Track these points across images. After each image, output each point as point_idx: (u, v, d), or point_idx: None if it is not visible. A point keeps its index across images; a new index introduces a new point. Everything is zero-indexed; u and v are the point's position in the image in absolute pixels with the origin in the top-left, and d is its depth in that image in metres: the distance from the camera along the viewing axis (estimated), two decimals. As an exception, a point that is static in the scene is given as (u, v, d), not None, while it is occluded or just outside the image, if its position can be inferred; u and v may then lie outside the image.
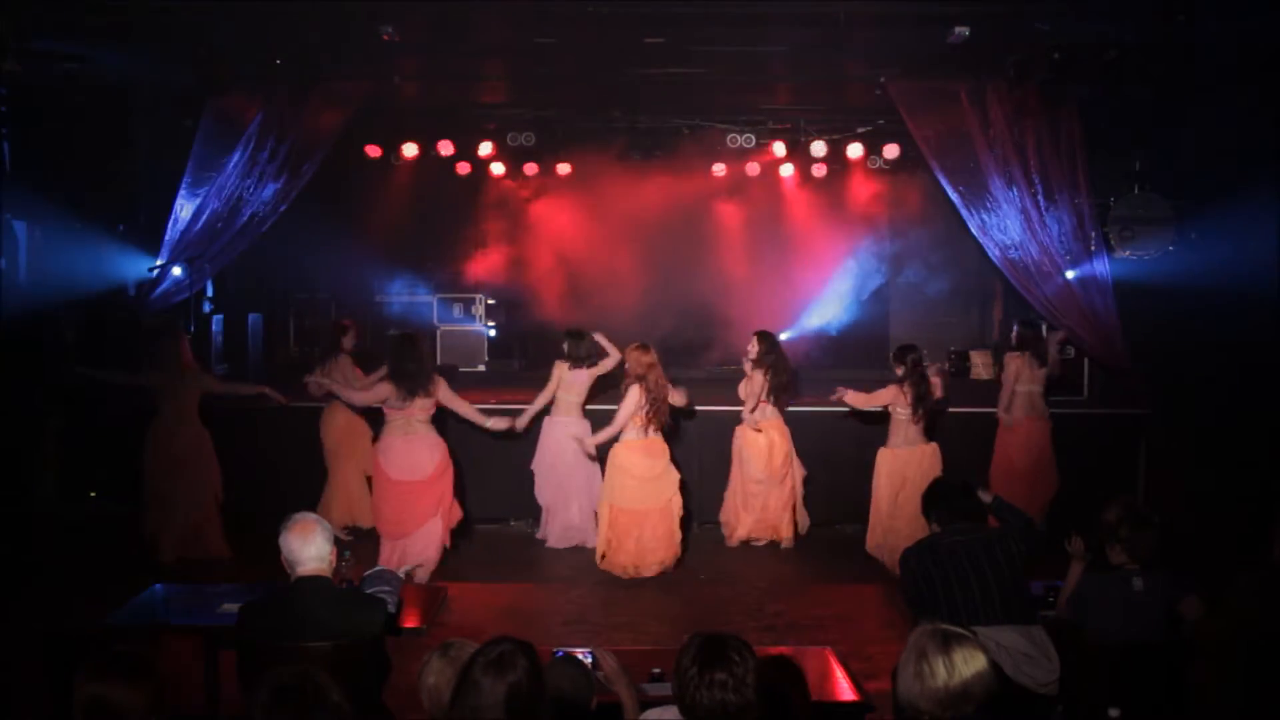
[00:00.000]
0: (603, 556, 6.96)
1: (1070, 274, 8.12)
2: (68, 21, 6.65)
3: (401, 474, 6.57)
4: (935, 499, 4.53)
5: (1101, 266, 8.23)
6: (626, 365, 6.97)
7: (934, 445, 7.03)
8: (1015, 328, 7.83)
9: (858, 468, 7.41)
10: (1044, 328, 8.05)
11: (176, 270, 8.23)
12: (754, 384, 7.56)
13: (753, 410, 7.56)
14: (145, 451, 7.22)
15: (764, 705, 2.72)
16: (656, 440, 6.94)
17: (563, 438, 7.58)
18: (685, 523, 7.16)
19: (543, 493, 7.76)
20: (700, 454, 8.00)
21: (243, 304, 9.46)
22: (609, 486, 6.96)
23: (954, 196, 8.33)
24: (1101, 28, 6.92)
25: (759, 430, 7.56)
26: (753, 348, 7.62)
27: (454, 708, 2.70)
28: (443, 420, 6.84)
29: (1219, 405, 7.42)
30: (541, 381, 7.73)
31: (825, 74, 8.86)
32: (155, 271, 8.18)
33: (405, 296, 10.69)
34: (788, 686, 3.07)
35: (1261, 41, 6.81)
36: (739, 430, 7.66)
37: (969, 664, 2.76)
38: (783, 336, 9.90)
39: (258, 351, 9.46)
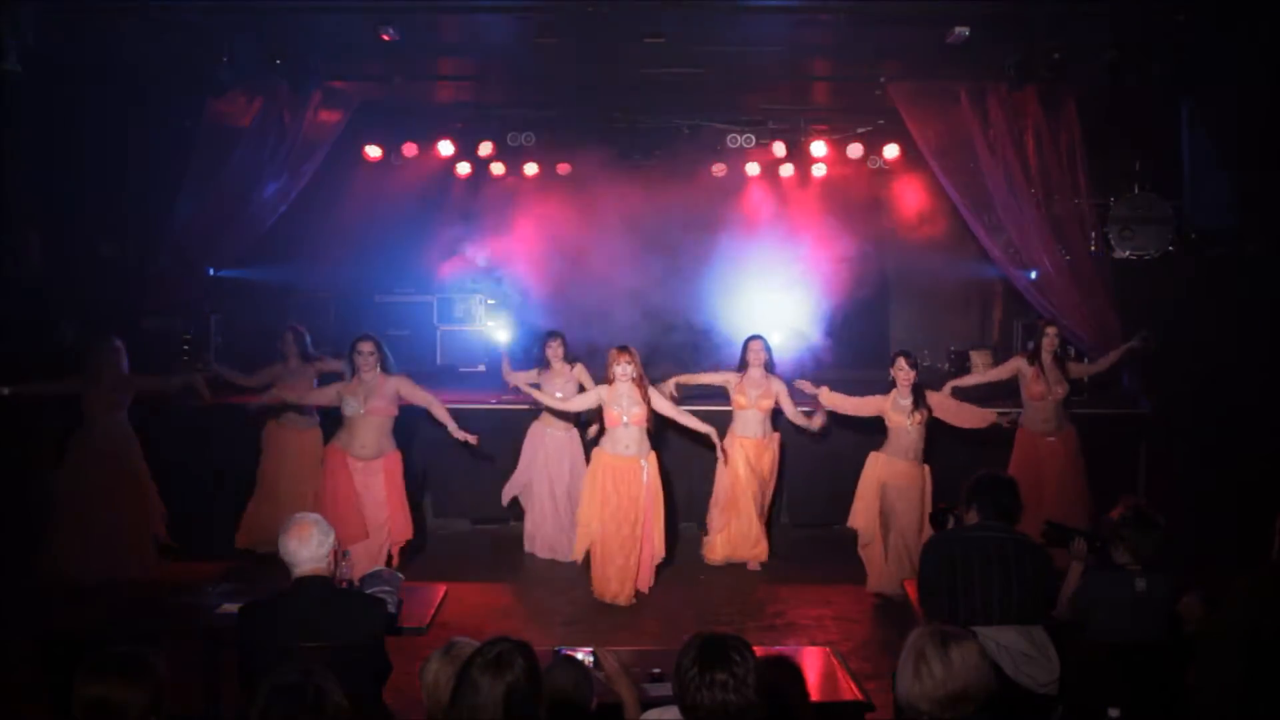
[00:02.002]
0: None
1: (1070, 274, 8.11)
2: (67, 21, 6.64)
3: None
4: (982, 489, 4.43)
5: (1101, 266, 8.23)
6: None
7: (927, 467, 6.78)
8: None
9: (856, 468, 7.40)
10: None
11: (177, 270, 8.23)
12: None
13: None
14: (63, 464, 6.85)
15: (764, 705, 2.72)
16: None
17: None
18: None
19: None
20: (700, 455, 7.98)
21: (242, 304, 9.45)
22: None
23: (954, 196, 8.32)
24: (1101, 28, 6.91)
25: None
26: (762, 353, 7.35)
27: (452, 707, 2.71)
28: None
29: (1219, 405, 7.41)
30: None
31: (825, 74, 8.86)
32: (156, 272, 8.18)
33: (405, 296, 10.68)
34: (788, 686, 3.07)
35: (1261, 41, 6.81)
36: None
37: (967, 664, 2.77)
38: (778, 338, 9.89)
39: (257, 352, 9.43)
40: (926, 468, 6.79)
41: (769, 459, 7.35)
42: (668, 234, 9.81)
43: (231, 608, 4.21)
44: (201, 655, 4.47)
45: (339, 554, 4.06)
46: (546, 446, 7.57)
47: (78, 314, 7.99)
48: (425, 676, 3.03)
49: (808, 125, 9.96)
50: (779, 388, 7.32)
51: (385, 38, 7.04)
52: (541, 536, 7.62)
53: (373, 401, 6.46)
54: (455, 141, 10.06)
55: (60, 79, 6.94)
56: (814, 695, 3.63)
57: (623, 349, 6.63)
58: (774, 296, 9.72)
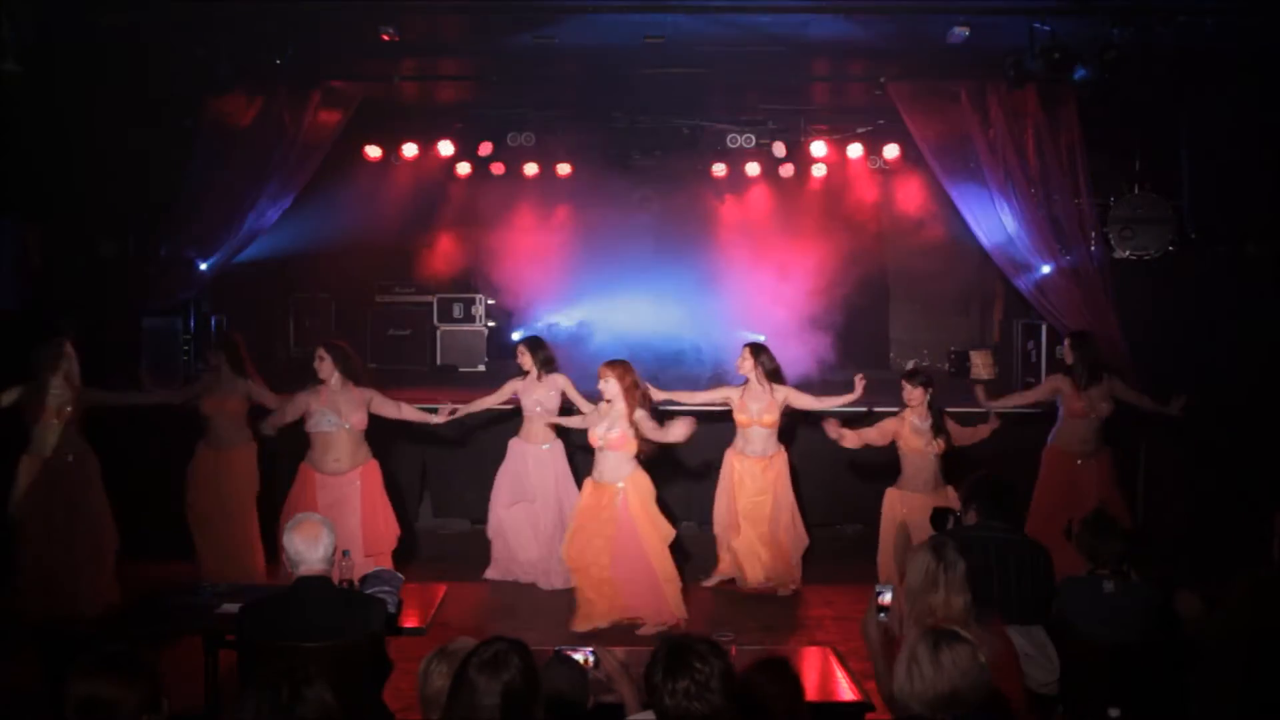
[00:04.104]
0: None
1: (1070, 274, 8.11)
2: (67, 20, 6.64)
3: None
4: (982, 490, 4.43)
5: (1101, 267, 8.22)
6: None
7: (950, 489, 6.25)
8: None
9: (858, 468, 7.39)
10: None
11: (177, 270, 8.22)
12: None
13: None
14: (15, 488, 6.00)
15: (735, 709, 2.71)
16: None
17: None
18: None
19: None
20: (701, 457, 7.95)
21: (242, 304, 9.45)
22: None
23: (954, 196, 8.32)
24: (1101, 28, 6.91)
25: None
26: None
27: (450, 707, 2.71)
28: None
29: (1219, 405, 7.41)
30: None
31: (825, 74, 8.86)
32: (155, 271, 8.17)
33: (405, 296, 10.69)
34: (778, 688, 3.05)
35: (1261, 40, 6.82)
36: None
37: (957, 667, 2.77)
38: (777, 339, 9.87)
39: (257, 352, 9.43)
40: (950, 490, 6.28)
41: (772, 476, 6.82)
42: (667, 234, 9.81)
43: (231, 608, 4.22)
44: (202, 655, 4.47)
45: (340, 554, 4.07)
46: (528, 465, 7.08)
47: (78, 313, 7.99)
48: (423, 677, 3.03)
49: (808, 125, 9.96)
50: (784, 395, 6.81)
51: (385, 38, 7.05)
52: (524, 561, 7.15)
53: (354, 414, 6.28)
54: (455, 141, 10.06)
55: (60, 79, 6.93)
56: (814, 695, 3.63)
57: (609, 364, 6.16)
58: (774, 297, 9.72)
